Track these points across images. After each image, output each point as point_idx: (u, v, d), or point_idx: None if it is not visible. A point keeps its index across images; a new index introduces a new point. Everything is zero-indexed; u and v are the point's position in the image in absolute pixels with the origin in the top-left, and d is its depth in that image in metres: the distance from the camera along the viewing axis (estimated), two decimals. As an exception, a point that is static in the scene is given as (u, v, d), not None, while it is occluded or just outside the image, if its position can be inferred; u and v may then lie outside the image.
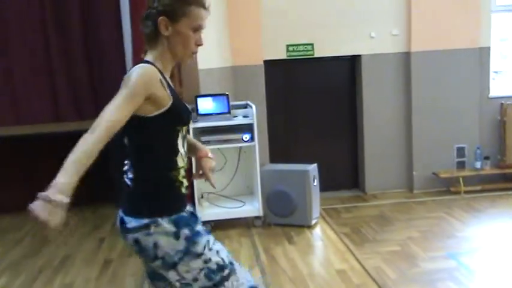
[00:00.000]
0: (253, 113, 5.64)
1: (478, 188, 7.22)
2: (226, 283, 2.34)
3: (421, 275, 4.63)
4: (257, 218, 5.86)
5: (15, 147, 6.84)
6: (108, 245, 5.51)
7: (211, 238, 2.38)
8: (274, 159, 7.00)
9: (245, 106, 6.04)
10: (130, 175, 2.40)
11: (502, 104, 7.36)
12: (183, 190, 2.40)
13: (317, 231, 5.80)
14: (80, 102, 6.96)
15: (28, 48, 6.79)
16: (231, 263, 2.38)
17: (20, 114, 6.88)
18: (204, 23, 2.35)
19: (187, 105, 2.50)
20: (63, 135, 6.70)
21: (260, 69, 6.88)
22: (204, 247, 2.32)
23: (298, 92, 7.46)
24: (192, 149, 2.60)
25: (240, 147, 6.04)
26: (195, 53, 2.41)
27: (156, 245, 2.27)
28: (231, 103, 5.85)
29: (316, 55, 7.20)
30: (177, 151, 2.36)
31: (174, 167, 2.36)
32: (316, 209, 5.97)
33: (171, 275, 2.31)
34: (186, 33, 2.32)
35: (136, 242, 2.30)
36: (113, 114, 2.14)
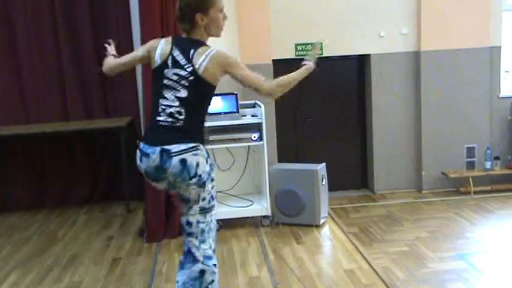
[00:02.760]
0: (262, 112, 5.63)
1: (488, 188, 7.18)
2: (213, 210, 3.21)
3: (430, 275, 4.61)
4: (265, 217, 5.85)
5: (24, 146, 6.87)
6: (116, 243, 5.52)
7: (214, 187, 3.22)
8: (282, 158, 6.98)
9: (254, 105, 6.03)
10: (180, 116, 3.09)
11: (512, 103, 7.33)
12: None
13: (325, 230, 5.78)
14: (88, 101, 6.98)
15: (37, 47, 6.82)
16: (215, 200, 3.23)
17: (29, 113, 6.91)
18: (223, 3, 3.21)
19: None
20: (72, 135, 6.78)
21: (269, 69, 6.85)
22: (214, 176, 3.19)
23: (307, 91, 7.44)
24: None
25: (249, 146, 6.03)
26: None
27: (197, 164, 3.04)
28: (240, 102, 5.84)
29: (325, 54, 7.15)
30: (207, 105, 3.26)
31: (206, 116, 3.27)
32: (324, 209, 5.96)
33: (196, 192, 3.11)
34: (216, 17, 3.18)
35: (182, 161, 3.02)
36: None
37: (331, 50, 7.19)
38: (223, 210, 5.73)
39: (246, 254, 5.03)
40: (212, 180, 3.16)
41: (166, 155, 3.02)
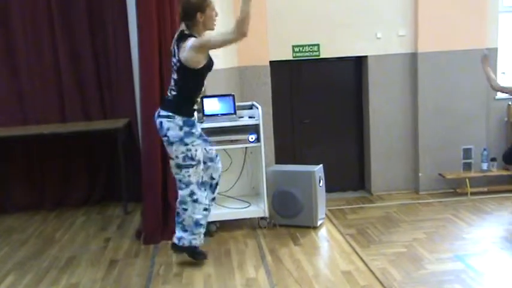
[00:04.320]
0: (259, 114, 5.63)
1: (485, 189, 7.19)
2: (190, 169, 4.36)
3: (428, 276, 4.61)
4: (263, 218, 5.85)
5: (21, 148, 6.85)
6: (114, 245, 5.51)
7: (198, 141, 4.38)
8: (280, 160, 6.99)
9: (251, 107, 6.04)
10: (173, 92, 4.35)
11: (509, 105, 7.34)
12: (195, 107, 4.47)
13: (323, 232, 5.78)
14: (86, 103, 6.97)
15: (35, 49, 6.81)
16: (199, 162, 4.40)
17: (26, 114, 6.90)
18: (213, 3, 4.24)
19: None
20: (69, 136, 6.77)
21: (266, 70, 6.87)
22: (192, 142, 4.31)
23: (304, 92, 7.46)
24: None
25: (246, 148, 6.03)
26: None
27: (168, 128, 4.28)
28: (237, 104, 5.84)
29: (322, 56, 7.20)
30: (200, 88, 4.41)
31: (195, 95, 4.40)
32: (322, 210, 5.96)
33: (169, 149, 4.38)
34: (211, 15, 4.24)
35: (160, 123, 4.31)
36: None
37: (329, 51, 7.22)
38: (221, 212, 5.73)
39: (243, 256, 5.03)
40: (186, 144, 4.29)
41: (157, 115, 4.37)
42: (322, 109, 7.56)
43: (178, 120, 4.26)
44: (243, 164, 6.20)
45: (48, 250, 5.45)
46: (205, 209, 4.53)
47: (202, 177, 4.52)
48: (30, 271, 4.89)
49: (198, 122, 4.61)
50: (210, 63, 4.35)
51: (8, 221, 6.54)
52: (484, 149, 7.23)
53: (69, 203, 6.93)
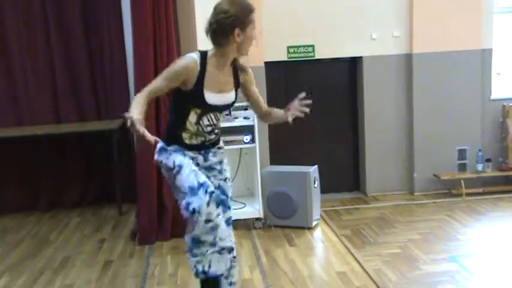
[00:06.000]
0: (254, 115, 5.63)
1: (480, 190, 7.20)
2: (177, 179, 3.28)
3: (422, 277, 4.61)
4: (258, 219, 5.85)
5: (15, 149, 6.84)
6: (108, 246, 5.51)
7: (179, 157, 3.33)
8: (275, 160, 6.98)
9: (246, 108, 6.03)
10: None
11: (504, 105, 7.35)
12: (187, 140, 3.40)
13: (318, 233, 5.79)
14: (81, 104, 6.96)
15: (29, 49, 6.80)
16: (181, 165, 3.29)
17: (20, 115, 6.89)
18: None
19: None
20: (63, 137, 6.76)
21: (261, 71, 6.85)
22: (173, 163, 3.30)
23: (299, 93, 7.44)
24: (277, 116, 3.83)
25: (241, 148, 6.03)
26: None
27: (155, 153, 3.39)
28: (232, 104, 5.83)
29: (317, 57, 7.19)
30: (186, 117, 3.34)
31: (183, 126, 3.36)
32: (316, 211, 5.97)
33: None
34: (251, 35, 3.21)
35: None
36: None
37: (324, 52, 7.22)
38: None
39: (238, 257, 5.00)
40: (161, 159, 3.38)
41: None
42: (317, 110, 7.51)
43: (161, 145, 3.41)
44: (238, 164, 6.21)
45: (42, 251, 5.44)
46: (208, 221, 3.23)
47: (200, 178, 3.29)
48: (25, 272, 4.89)
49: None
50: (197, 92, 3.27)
51: (3, 221, 6.53)
52: (479, 150, 7.24)
53: (64, 203, 6.93)
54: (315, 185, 5.90)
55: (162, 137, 3.42)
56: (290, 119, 3.58)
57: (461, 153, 7.40)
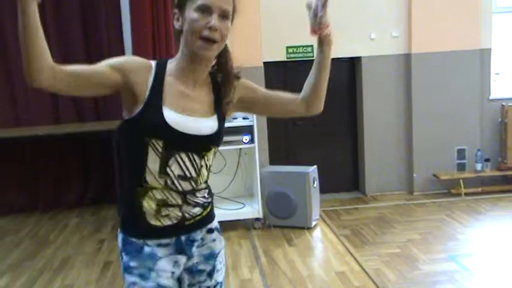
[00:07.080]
0: (253, 115, 5.64)
1: (479, 190, 7.21)
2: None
3: (422, 277, 4.62)
4: (257, 219, 5.86)
5: (14, 150, 6.84)
6: (108, 247, 5.51)
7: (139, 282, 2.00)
8: (274, 161, 6.99)
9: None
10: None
11: (503, 105, 7.35)
12: (152, 220, 2.00)
13: (317, 233, 5.79)
14: (80, 104, 6.96)
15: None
16: None
17: (19, 116, 6.89)
18: (209, 2, 1.97)
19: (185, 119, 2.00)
20: (62, 138, 6.76)
21: (260, 71, 6.86)
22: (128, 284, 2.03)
23: (298, 93, 7.45)
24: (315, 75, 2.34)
25: (240, 149, 6.04)
26: (206, 39, 1.97)
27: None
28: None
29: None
30: (143, 163, 1.95)
31: (140, 183, 1.97)
32: (316, 211, 5.97)
33: None
34: (190, 16, 1.95)
35: None
36: None
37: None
38: (215, 213, 5.73)
39: (237, 257, 5.03)
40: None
41: None
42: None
43: (119, 239, 2.10)
44: (237, 165, 6.21)
45: (42, 252, 5.44)
46: None
47: None
48: (24, 273, 4.89)
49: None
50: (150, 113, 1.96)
51: (2, 222, 6.53)
52: (478, 150, 7.24)
53: (63, 204, 6.93)
54: (314, 185, 5.90)
55: (120, 216, 2.13)
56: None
57: (460, 153, 7.40)
